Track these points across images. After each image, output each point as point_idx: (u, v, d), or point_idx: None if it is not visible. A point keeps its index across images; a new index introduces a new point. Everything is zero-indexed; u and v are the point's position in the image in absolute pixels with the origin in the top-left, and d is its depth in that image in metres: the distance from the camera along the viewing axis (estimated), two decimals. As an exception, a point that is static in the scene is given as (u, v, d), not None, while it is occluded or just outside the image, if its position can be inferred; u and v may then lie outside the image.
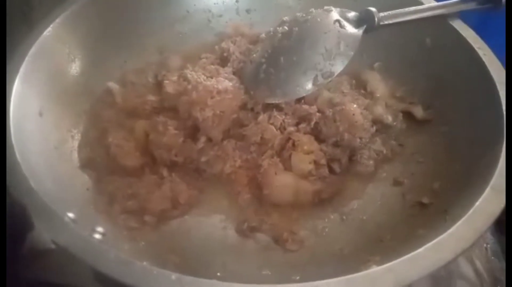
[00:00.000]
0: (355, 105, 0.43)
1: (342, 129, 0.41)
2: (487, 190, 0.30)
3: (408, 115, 0.46)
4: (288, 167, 0.40)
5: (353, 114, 0.41)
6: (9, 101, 0.35)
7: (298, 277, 0.31)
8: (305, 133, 0.41)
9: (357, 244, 0.36)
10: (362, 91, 0.49)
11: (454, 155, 0.40)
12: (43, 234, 0.26)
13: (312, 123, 0.41)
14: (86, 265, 0.33)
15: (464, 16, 0.46)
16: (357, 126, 0.41)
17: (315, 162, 0.39)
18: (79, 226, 0.29)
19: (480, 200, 0.30)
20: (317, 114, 0.41)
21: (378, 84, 0.49)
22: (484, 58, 0.40)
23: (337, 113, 0.41)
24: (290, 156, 0.40)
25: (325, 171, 0.40)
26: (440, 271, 0.37)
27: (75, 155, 0.40)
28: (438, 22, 0.46)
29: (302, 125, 0.41)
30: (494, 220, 0.29)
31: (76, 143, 0.41)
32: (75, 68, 0.45)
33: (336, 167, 0.41)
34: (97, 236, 0.30)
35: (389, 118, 0.45)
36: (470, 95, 0.41)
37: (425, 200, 0.37)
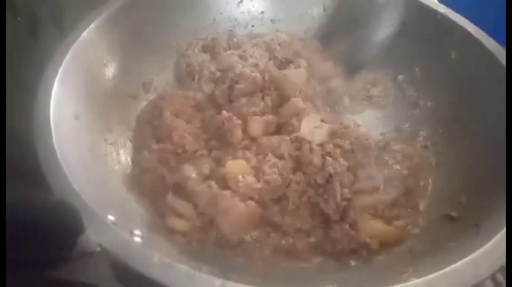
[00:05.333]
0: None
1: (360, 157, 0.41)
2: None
3: (433, 129, 0.47)
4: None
5: (367, 139, 0.42)
6: (49, 105, 0.36)
7: (331, 288, 0.31)
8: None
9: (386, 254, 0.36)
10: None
11: (479, 168, 0.40)
12: (90, 237, 0.26)
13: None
14: (109, 264, 0.34)
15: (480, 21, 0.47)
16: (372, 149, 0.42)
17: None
18: (119, 229, 0.29)
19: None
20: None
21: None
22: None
23: (354, 143, 0.41)
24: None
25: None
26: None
27: (110, 158, 0.41)
28: (464, 36, 0.47)
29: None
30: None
31: (109, 147, 0.42)
32: (108, 72, 0.46)
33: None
34: (136, 239, 0.31)
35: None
36: (494, 108, 0.42)
37: (453, 213, 0.37)
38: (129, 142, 0.44)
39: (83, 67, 0.42)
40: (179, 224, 0.37)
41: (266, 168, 0.38)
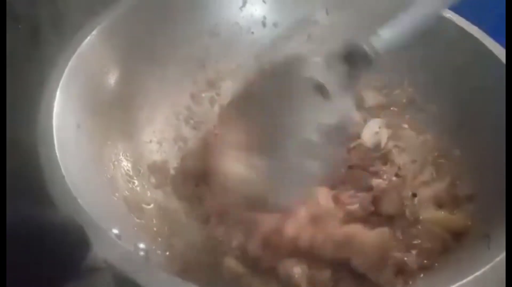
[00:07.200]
0: None
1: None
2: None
3: (439, 134, 0.46)
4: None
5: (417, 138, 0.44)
6: (51, 114, 0.36)
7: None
8: None
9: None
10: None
11: (488, 175, 0.40)
12: (96, 253, 0.26)
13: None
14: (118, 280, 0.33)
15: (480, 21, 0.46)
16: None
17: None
18: (123, 243, 0.29)
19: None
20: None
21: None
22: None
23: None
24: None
25: None
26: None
27: (111, 167, 0.40)
28: (470, 41, 0.46)
29: None
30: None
31: (112, 156, 0.41)
32: (110, 80, 0.45)
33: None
34: (141, 253, 0.30)
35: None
36: (501, 113, 0.41)
37: (463, 222, 0.37)
38: (131, 153, 0.43)
39: (85, 76, 0.41)
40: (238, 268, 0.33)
41: (344, 198, 0.36)
